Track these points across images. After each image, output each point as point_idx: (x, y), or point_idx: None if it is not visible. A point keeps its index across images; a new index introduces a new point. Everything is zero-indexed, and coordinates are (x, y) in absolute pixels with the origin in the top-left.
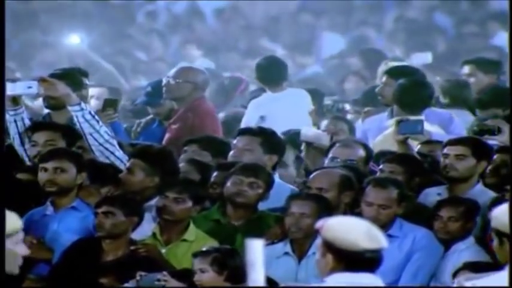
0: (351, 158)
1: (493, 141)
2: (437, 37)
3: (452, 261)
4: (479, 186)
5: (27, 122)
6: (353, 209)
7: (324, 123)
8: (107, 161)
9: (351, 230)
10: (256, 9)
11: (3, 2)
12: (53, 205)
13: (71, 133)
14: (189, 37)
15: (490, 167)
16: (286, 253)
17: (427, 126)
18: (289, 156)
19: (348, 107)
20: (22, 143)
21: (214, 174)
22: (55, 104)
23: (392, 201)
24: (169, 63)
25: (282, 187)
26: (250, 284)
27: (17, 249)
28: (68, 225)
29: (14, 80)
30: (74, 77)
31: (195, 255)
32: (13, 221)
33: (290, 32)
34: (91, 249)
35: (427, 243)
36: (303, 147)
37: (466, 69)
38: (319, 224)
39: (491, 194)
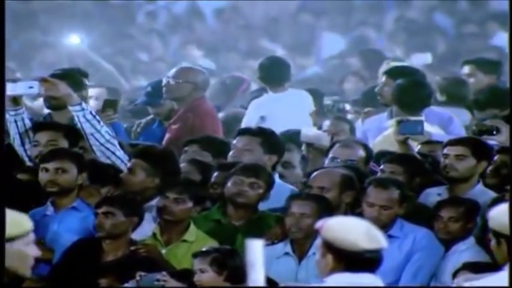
0: (351, 158)
1: (491, 141)
2: (437, 37)
3: (453, 262)
4: (480, 187)
5: (28, 123)
6: (354, 209)
7: (326, 123)
8: (108, 161)
9: (351, 230)
10: (256, 9)
11: (3, 2)
12: (53, 205)
13: (73, 133)
14: (189, 37)
15: (490, 168)
16: (287, 253)
17: (427, 127)
18: (296, 157)
19: (348, 107)
20: (22, 143)
21: (215, 174)
22: (56, 104)
23: (394, 202)
24: (169, 63)
25: (282, 187)
26: (250, 284)
27: (28, 250)
28: (68, 226)
29: (15, 80)
30: (74, 78)
31: (195, 255)
32: (23, 222)
33: (290, 32)
34: (91, 249)
35: (427, 243)
36: (303, 147)
37: (466, 69)
38: (319, 224)
39: (492, 194)
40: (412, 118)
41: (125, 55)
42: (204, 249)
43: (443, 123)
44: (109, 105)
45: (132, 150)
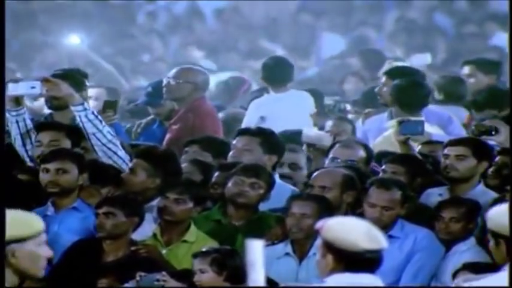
0: (352, 158)
1: (491, 141)
2: (437, 37)
3: (453, 262)
4: (480, 187)
5: (29, 123)
6: (355, 209)
7: (329, 124)
8: (110, 161)
9: (351, 230)
10: (256, 9)
11: (3, 2)
12: (53, 206)
13: (76, 133)
14: (189, 37)
15: (492, 169)
16: (287, 254)
17: (427, 127)
18: (301, 158)
19: (348, 107)
20: (24, 144)
21: (216, 174)
22: (58, 104)
23: (395, 203)
24: (169, 63)
25: (283, 188)
26: (250, 284)
27: (40, 251)
28: (68, 226)
29: (16, 80)
30: (75, 78)
31: (195, 255)
32: (35, 223)
33: (290, 33)
34: (91, 249)
35: (428, 243)
36: (303, 147)
37: (466, 69)
38: (319, 224)
39: (492, 195)
40: (413, 118)
41: (124, 55)
42: (204, 249)
43: (442, 123)
44: (109, 106)
45: (134, 150)
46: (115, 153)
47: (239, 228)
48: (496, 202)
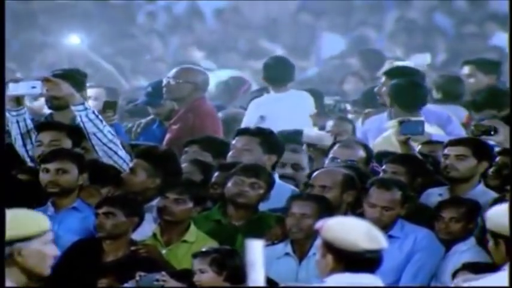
0: (351, 158)
1: (490, 141)
2: (437, 38)
3: (453, 262)
4: (481, 187)
5: (30, 123)
6: (355, 209)
7: (329, 123)
8: (110, 161)
9: (351, 230)
10: (256, 9)
11: (3, 2)
12: (53, 206)
13: (76, 133)
14: (189, 38)
15: (492, 169)
16: (287, 254)
17: (427, 128)
18: (304, 158)
19: (348, 107)
20: (24, 144)
21: (215, 174)
22: (58, 104)
23: (396, 203)
24: (169, 63)
25: (283, 188)
26: (250, 284)
27: (46, 249)
28: (68, 226)
29: (17, 80)
30: (75, 78)
31: (195, 255)
32: (41, 222)
33: (290, 33)
34: (91, 249)
35: (428, 243)
36: (304, 147)
37: (466, 69)
38: (319, 224)
39: (493, 195)
40: (413, 118)
41: (124, 55)
42: (203, 249)
43: (441, 123)
44: (108, 106)
45: (134, 150)
46: (115, 153)
47: (239, 228)
48: (496, 202)
